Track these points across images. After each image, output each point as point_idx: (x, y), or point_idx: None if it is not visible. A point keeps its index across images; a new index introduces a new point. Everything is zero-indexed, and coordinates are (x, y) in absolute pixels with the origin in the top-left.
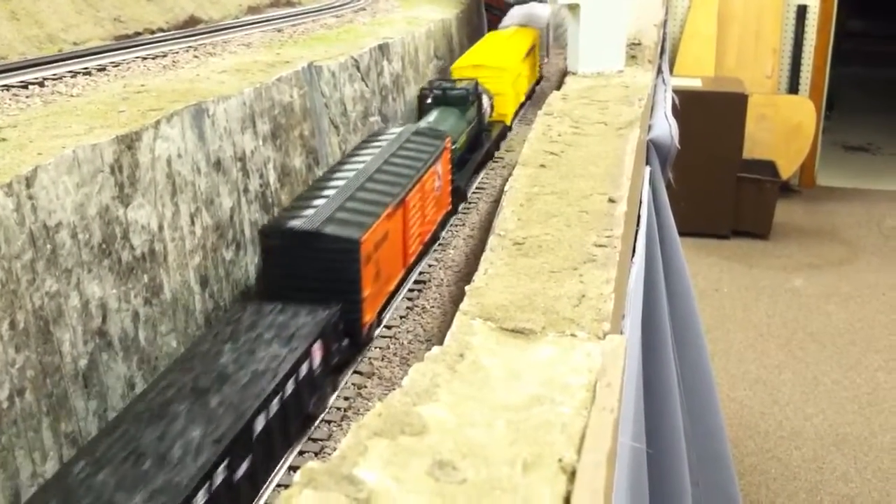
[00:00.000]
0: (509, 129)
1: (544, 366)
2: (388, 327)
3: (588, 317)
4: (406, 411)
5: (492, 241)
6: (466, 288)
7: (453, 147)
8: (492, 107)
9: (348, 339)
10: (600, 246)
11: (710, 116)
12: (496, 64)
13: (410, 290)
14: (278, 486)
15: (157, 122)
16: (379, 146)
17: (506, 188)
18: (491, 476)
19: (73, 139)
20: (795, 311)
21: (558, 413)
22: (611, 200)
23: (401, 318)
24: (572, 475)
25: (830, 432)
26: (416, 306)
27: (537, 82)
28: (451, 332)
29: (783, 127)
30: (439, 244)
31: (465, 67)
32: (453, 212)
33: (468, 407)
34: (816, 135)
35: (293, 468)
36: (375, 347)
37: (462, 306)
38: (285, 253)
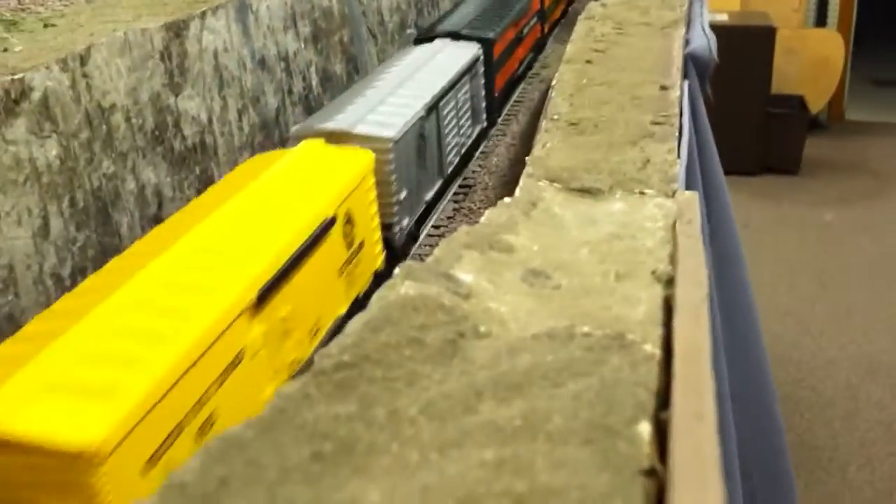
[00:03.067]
0: None
1: (617, 215)
2: (437, 227)
3: (655, 178)
4: (492, 233)
5: (545, 123)
6: (527, 158)
7: None
8: None
9: None
10: (657, 124)
11: (738, 51)
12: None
13: (456, 194)
14: None
15: (203, 13)
16: None
17: (553, 83)
18: (585, 284)
19: (123, 24)
20: (826, 244)
21: (640, 245)
22: (663, 88)
23: (448, 218)
24: (668, 282)
25: (864, 361)
26: (463, 208)
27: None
28: (520, 188)
29: (811, 61)
30: (482, 152)
31: None
32: None
33: (549, 239)
34: (845, 69)
35: None
36: (425, 245)
37: (526, 171)
38: None
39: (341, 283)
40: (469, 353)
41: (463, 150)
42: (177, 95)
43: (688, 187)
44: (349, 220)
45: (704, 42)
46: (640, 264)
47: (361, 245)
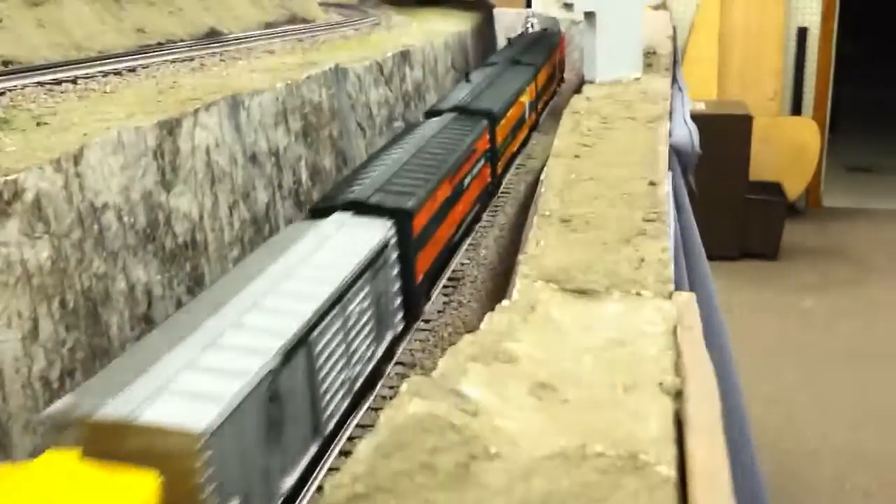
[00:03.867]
0: None
1: (616, 318)
2: (427, 321)
3: (651, 279)
4: (495, 343)
5: (537, 220)
6: (520, 257)
7: None
8: None
9: None
10: (649, 221)
11: (716, 139)
12: None
13: (445, 287)
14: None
15: (196, 111)
16: None
17: (542, 178)
18: (592, 397)
19: (116, 123)
20: (807, 330)
21: (643, 352)
22: (651, 183)
23: (438, 312)
24: (676, 395)
25: (850, 450)
26: (453, 301)
27: None
28: (517, 290)
29: (788, 148)
30: (470, 244)
31: None
32: None
33: (551, 347)
34: (821, 155)
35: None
36: (415, 340)
37: (521, 270)
38: None
39: None
40: (482, 477)
41: (358, 385)
42: (168, 192)
43: (675, 278)
44: None
45: (686, 134)
46: (645, 374)
47: None
